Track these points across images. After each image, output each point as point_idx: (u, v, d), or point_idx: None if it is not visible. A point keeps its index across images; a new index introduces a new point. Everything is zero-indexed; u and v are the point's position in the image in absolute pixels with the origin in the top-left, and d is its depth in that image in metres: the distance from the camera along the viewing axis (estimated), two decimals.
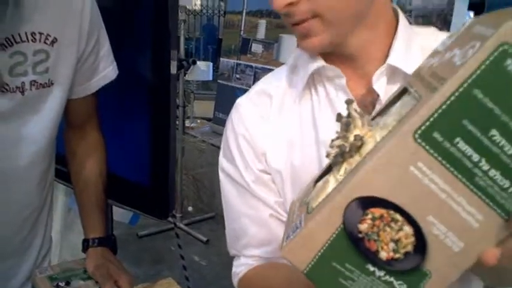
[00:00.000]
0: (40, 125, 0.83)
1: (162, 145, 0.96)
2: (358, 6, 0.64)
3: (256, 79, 2.66)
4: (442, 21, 1.74)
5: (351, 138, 0.45)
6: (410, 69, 0.61)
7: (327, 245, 0.43)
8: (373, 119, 0.50)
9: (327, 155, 0.47)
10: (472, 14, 3.42)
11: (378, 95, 0.66)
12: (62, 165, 0.96)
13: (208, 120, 3.67)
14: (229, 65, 2.88)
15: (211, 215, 3.27)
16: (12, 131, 0.80)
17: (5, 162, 0.80)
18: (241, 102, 0.75)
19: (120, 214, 1.75)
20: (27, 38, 0.77)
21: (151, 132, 0.99)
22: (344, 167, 0.45)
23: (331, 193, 0.44)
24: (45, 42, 0.79)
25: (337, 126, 0.48)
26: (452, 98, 0.37)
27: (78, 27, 0.83)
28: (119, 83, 0.89)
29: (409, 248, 0.41)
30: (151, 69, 0.97)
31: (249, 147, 0.74)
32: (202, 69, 3.14)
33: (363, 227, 0.41)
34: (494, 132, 0.38)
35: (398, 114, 0.44)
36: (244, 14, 2.75)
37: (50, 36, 0.80)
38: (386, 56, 0.67)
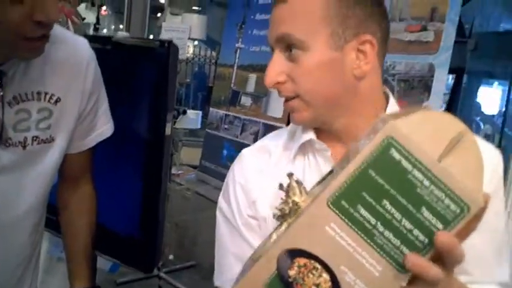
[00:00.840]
0: (39, 177, 0.86)
1: (152, 201, 0.99)
2: (333, 92, 0.75)
3: (243, 130, 2.71)
4: (424, 86, 1.83)
5: (290, 203, 0.58)
6: None
7: (265, 286, 0.54)
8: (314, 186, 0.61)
9: (273, 216, 0.59)
10: (451, 77, 3.59)
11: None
12: (51, 214, 0.98)
13: (194, 167, 3.69)
14: (218, 116, 2.94)
15: (192, 263, 3.23)
16: (12, 182, 0.83)
17: (3, 213, 0.82)
18: (245, 153, 0.88)
19: (101, 261, 1.74)
20: (33, 97, 0.81)
21: (143, 188, 1.02)
22: (284, 226, 0.57)
23: (271, 246, 0.55)
24: (49, 101, 0.84)
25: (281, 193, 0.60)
26: (354, 175, 0.50)
27: (82, 88, 0.88)
28: (116, 137, 0.93)
29: None
30: (147, 128, 1.01)
31: (243, 195, 0.84)
32: (192, 118, 3.20)
33: (292, 272, 0.53)
34: (385, 202, 0.50)
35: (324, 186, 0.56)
36: (235, 67, 2.85)
37: (54, 95, 0.84)
38: None
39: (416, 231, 0.49)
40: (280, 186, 0.61)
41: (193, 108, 5.95)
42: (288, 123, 2.58)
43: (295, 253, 0.53)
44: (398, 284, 0.50)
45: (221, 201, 0.88)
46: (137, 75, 1.03)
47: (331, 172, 0.60)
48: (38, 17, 0.69)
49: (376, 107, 0.79)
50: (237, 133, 2.78)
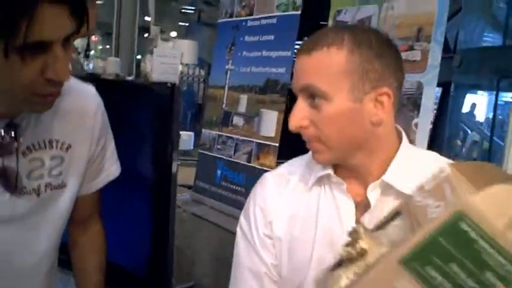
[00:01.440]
0: (52, 222, 0.88)
1: (162, 239, 1.01)
2: (353, 137, 0.83)
3: (237, 150, 2.74)
4: (413, 103, 1.88)
5: (358, 248, 0.65)
6: (403, 187, 0.78)
7: None
8: (375, 229, 0.69)
9: (340, 255, 0.68)
10: (439, 90, 3.67)
11: (370, 203, 0.84)
12: (61, 253, 0.99)
13: (188, 187, 3.69)
14: (211, 136, 2.96)
15: (191, 284, 3.22)
16: (27, 229, 0.85)
17: (19, 259, 0.84)
18: (267, 177, 0.97)
19: None
20: (45, 145, 0.84)
21: (152, 226, 1.04)
22: (353, 270, 0.65)
23: None
24: (60, 149, 0.86)
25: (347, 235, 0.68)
26: (425, 240, 0.56)
27: (90, 134, 0.91)
28: (123, 178, 0.96)
29: None
30: (155, 168, 1.04)
31: (261, 215, 0.92)
32: (185, 139, 3.22)
33: None
34: (452, 264, 0.56)
35: (390, 239, 0.65)
36: (226, 88, 2.88)
37: (65, 143, 0.87)
38: (385, 170, 0.84)
39: None
40: (350, 232, 0.68)
41: (183, 128, 5.97)
42: (281, 142, 2.57)
43: None
44: None
45: (242, 218, 0.97)
46: (143, 115, 1.06)
47: (390, 219, 0.68)
48: (49, 75, 0.71)
49: (388, 145, 0.87)
50: (230, 153, 2.80)
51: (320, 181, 0.90)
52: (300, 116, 0.81)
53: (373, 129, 0.83)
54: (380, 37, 0.83)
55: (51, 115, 0.84)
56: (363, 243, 0.65)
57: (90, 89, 0.93)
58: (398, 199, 0.82)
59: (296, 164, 0.97)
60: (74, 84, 0.90)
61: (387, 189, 0.84)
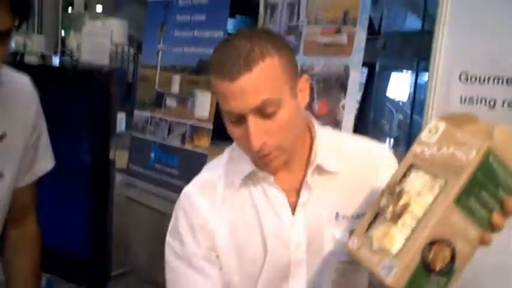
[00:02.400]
0: None
1: (101, 222, 1.00)
2: (299, 130, 0.86)
3: (170, 132, 2.72)
4: (340, 85, 1.96)
5: (400, 205, 0.76)
6: (327, 164, 0.91)
7: (413, 272, 0.72)
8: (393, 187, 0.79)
9: (377, 216, 0.78)
10: (365, 70, 3.84)
11: (303, 184, 0.91)
12: None
13: (121, 171, 3.61)
14: (144, 118, 2.91)
15: (127, 269, 3.18)
16: None
17: None
18: (191, 191, 0.94)
19: None
20: None
21: (92, 211, 1.03)
22: (400, 222, 0.75)
23: (411, 242, 0.72)
24: None
25: (382, 197, 0.78)
26: (469, 178, 0.72)
27: (25, 122, 0.89)
28: (61, 164, 0.94)
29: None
30: (92, 154, 1.02)
31: (201, 231, 0.92)
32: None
33: (430, 256, 0.72)
34: (483, 191, 0.74)
35: (429, 186, 0.76)
36: (158, 69, 2.83)
37: None
38: (305, 154, 0.90)
39: (495, 204, 0.76)
40: (386, 188, 0.79)
41: None
42: (214, 123, 2.58)
43: (432, 243, 0.72)
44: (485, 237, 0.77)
45: (171, 239, 0.94)
46: (79, 102, 1.04)
47: (403, 175, 0.79)
48: None
49: (304, 128, 0.94)
50: (164, 135, 2.77)
51: (247, 180, 0.92)
52: (259, 133, 0.81)
53: (301, 115, 0.90)
54: (279, 36, 0.91)
55: None
56: (404, 199, 0.75)
57: (24, 79, 0.91)
58: (321, 175, 0.91)
59: (215, 169, 0.96)
60: (7, 73, 0.87)
61: (316, 170, 0.91)
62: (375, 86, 3.74)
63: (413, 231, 0.73)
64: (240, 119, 0.82)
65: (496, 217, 0.76)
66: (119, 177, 3.68)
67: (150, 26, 2.91)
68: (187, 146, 2.58)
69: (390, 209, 0.77)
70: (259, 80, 0.79)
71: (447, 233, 0.73)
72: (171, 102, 2.75)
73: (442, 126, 0.78)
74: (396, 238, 0.75)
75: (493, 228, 0.77)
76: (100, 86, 0.95)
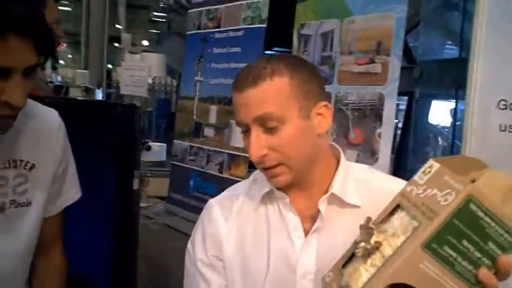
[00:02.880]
0: (18, 241, 0.90)
1: (126, 255, 1.03)
2: (308, 152, 0.89)
3: (209, 161, 2.77)
4: (375, 114, 1.95)
5: (372, 242, 0.73)
6: (347, 196, 0.86)
7: None
8: (378, 224, 0.76)
9: (354, 252, 0.75)
10: (405, 98, 3.79)
11: (320, 213, 0.91)
12: None
13: (162, 198, 3.69)
14: (183, 147, 2.98)
15: None
16: None
17: None
18: (212, 203, 1.01)
19: None
20: (10, 165, 0.86)
21: (116, 244, 1.06)
22: (369, 261, 0.73)
23: (372, 282, 0.70)
24: (24, 168, 0.89)
25: (359, 232, 0.76)
26: (442, 225, 0.67)
27: (54, 154, 0.94)
28: (88, 196, 0.98)
29: None
30: (116, 186, 1.06)
31: (211, 239, 0.96)
32: (157, 150, 3.22)
33: None
34: (464, 241, 0.68)
35: (403, 228, 0.73)
36: (196, 100, 2.91)
37: (29, 163, 0.89)
38: (327, 183, 0.90)
39: (484, 258, 0.69)
40: (361, 226, 0.76)
41: (156, 137, 5.95)
42: None
43: (395, 286, 0.68)
44: None
45: (188, 245, 1.00)
46: (105, 134, 1.09)
47: (390, 213, 0.77)
48: (6, 98, 0.74)
49: (328, 156, 0.96)
50: (202, 164, 2.83)
51: (266, 198, 0.95)
52: (259, 145, 0.86)
53: (318, 141, 0.91)
54: (305, 61, 0.95)
55: (15, 136, 0.87)
56: (376, 237, 0.73)
57: (53, 113, 0.97)
58: (341, 207, 0.92)
59: (239, 187, 1.03)
60: (37, 107, 0.93)
61: (333, 199, 0.92)
62: (415, 113, 3.68)
63: (377, 271, 0.71)
64: (247, 130, 0.87)
65: (484, 274, 0.69)
66: (160, 206, 3.76)
67: (188, 59, 3.01)
68: (225, 174, 2.62)
69: (363, 246, 0.74)
70: (262, 94, 0.84)
71: (412, 279, 0.68)
72: (208, 132, 2.81)
73: (435, 167, 0.74)
74: (362, 276, 0.73)
75: (484, 285, 0.70)
76: (125, 120, 1.00)
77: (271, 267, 0.92)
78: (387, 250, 0.72)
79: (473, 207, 0.67)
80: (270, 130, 0.85)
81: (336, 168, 0.94)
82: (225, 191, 1.04)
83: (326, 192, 0.92)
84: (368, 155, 1.94)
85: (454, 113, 3.85)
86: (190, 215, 2.85)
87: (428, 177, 0.74)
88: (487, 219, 0.67)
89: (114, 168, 1.08)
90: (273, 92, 0.85)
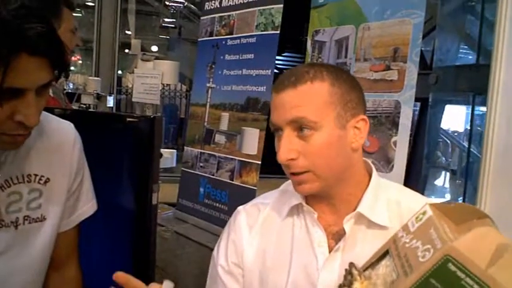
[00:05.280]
0: (31, 257, 0.88)
1: (143, 270, 1.01)
2: (339, 164, 0.86)
3: (219, 168, 2.74)
4: (391, 122, 1.91)
5: None
6: (374, 216, 0.83)
7: None
8: (365, 269, 0.75)
9: None
10: (417, 104, 3.75)
11: (345, 232, 0.89)
12: None
13: (171, 205, 3.67)
14: (193, 154, 2.96)
15: None
16: (4, 262, 0.84)
17: None
18: (239, 211, 1.01)
19: None
20: (24, 180, 0.84)
21: (133, 258, 1.04)
22: None
23: None
24: (38, 182, 0.87)
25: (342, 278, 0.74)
26: (418, 282, 0.62)
27: (68, 168, 0.92)
28: (104, 210, 0.96)
29: None
30: (134, 199, 1.04)
31: (233, 246, 0.97)
32: (167, 157, 3.21)
33: None
34: None
35: (383, 279, 0.70)
36: (207, 106, 2.89)
37: (43, 177, 0.87)
38: (356, 200, 0.88)
39: None
40: (345, 272, 0.74)
41: (165, 143, 5.96)
42: (263, 159, 2.59)
43: None
44: None
45: (214, 249, 1.02)
46: (122, 147, 1.07)
47: (379, 258, 0.74)
48: (19, 118, 0.73)
49: (360, 174, 0.93)
50: (213, 171, 2.80)
51: (293, 211, 0.94)
52: (289, 148, 0.84)
53: (352, 156, 0.88)
54: (347, 73, 0.93)
55: (29, 150, 0.85)
56: (357, 285, 0.71)
57: (68, 126, 0.95)
58: (369, 228, 0.89)
59: (269, 196, 1.01)
60: (52, 121, 0.91)
61: (360, 218, 0.90)
62: (428, 120, 3.64)
63: None
64: (279, 132, 0.86)
65: None
66: (169, 213, 3.74)
67: (200, 65, 3.00)
68: (236, 182, 2.59)
69: None
70: (300, 97, 0.83)
71: None
72: (220, 139, 2.79)
73: (427, 215, 0.70)
74: None
75: None
76: (144, 133, 0.98)
77: (291, 282, 0.90)
78: None
79: (451, 267, 0.62)
80: (302, 135, 0.84)
81: (367, 186, 0.91)
82: (254, 199, 1.03)
83: (354, 210, 0.89)
84: (383, 163, 1.90)
85: (471, 119, 3.80)
86: (200, 222, 2.82)
87: (419, 225, 0.70)
88: (469, 280, 0.61)
89: (133, 181, 1.06)
90: (311, 96, 0.83)
